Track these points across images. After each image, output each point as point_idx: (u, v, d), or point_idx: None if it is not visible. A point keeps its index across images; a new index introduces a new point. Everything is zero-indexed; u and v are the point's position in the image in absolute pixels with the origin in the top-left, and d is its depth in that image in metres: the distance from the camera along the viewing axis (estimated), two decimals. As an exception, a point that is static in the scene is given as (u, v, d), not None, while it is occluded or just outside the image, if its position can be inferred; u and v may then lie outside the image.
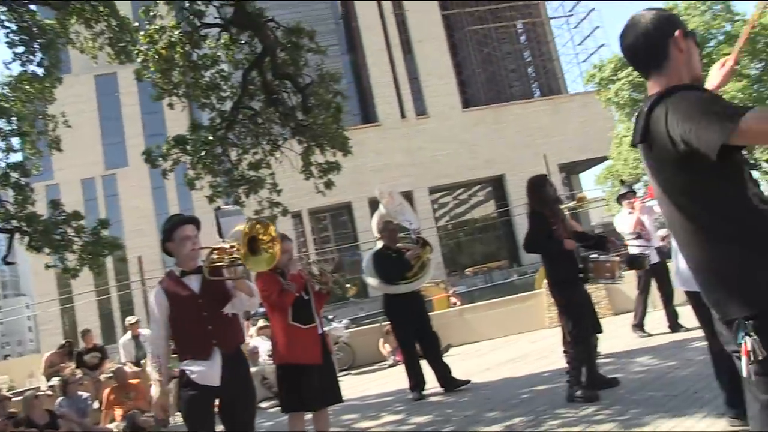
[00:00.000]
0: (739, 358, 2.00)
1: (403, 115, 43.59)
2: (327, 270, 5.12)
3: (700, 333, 7.41)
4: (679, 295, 10.40)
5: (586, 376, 5.63)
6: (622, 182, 19.62)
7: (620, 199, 8.76)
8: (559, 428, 4.89)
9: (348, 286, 5.43)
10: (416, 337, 7.32)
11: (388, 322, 11.31)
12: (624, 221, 8.30)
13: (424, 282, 7.44)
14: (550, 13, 49.44)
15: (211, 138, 8.76)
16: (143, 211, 38.04)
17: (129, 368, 9.55)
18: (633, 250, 7.99)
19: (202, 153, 8.72)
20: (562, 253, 5.63)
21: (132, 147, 37.20)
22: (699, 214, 2.03)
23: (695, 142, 1.87)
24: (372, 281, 7.46)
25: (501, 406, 6.05)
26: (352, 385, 9.09)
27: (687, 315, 8.72)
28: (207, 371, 3.88)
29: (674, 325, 8.18)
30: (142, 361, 9.73)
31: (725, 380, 4.12)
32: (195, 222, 4.11)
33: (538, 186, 5.88)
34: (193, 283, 4.00)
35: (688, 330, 7.77)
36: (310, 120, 9.02)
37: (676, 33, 2.17)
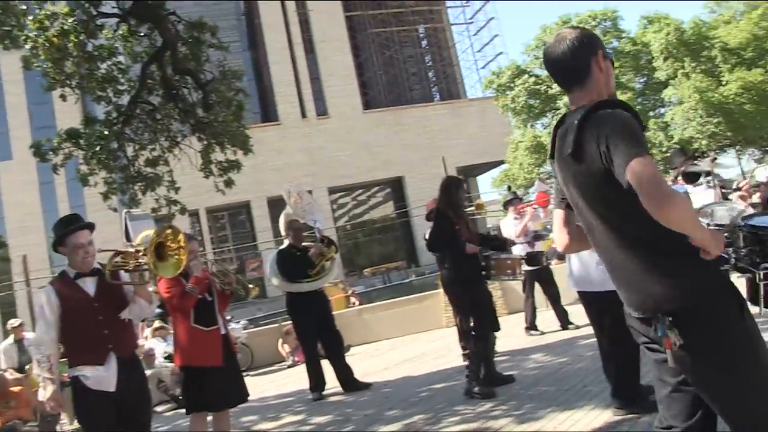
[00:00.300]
0: (650, 349, 2.31)
1: (303, 115, 43.37)
2: (230, 270, 5.04)
3: (590, 330, 7.82)
4: (569, 295, 10.92)
5: (483, 373, 5.81)
6: (509, 188, 20.39)
7: (506, 205, 9.11)
8: (458, 425, 5.01)
9: (251, 286, 5.37)
10: (319, 336, 7.30)
11: (288, 323, 11.29)
12: (510, 226, 8.57)
13: (327, 281, 7.41)
14: (451, 20, 50.50)
15: (106, 132, 8.36)
16: (29, 207, 35.99)
17: (10, 375, 8.97)
18: (516, 253, 8.34)
19: (97, 148, 8.31)
20: (466, 252, 5.80)
21: (17, 139, 35.14)
22: (621, 225, 2.20)
23: (616, 169, 2.08)
24: (275, 280, 7.41)
25: (400, 404, 6.13)
26: (250, 386, 8.82)
27: (576, 313, 9.15)
28: (102, 376, 3.78)
29: (565, 323, 8.56)
30: (26, 367, 9.19)
31: (612, 374, 4.36)
32: (89, 227, 3.98)
33: (451, 187, 6.08)
34: (89, 285, 3.88)
35: (578, 327, 8.14)
36: (211, 117, 8.81)
37: (598, 53, 2.33)
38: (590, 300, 4.43)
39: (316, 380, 7.17)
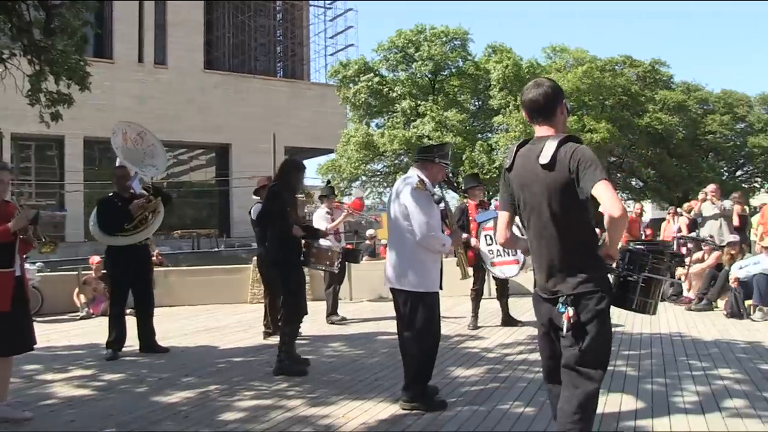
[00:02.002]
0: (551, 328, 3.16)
1: (140, 60, 41.19)
2: (30, 214, 4.67)
3: (388, 327, 8.30)
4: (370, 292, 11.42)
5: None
6: (328, 183, 20.80)
7: (321, 198, 9.37)
8: (252, 399, 5.15)
9: (44, 241, 4.92)
10: (132, 292, 7.06)
11: (87, 272, 10.79)
12: (321, 220, 8.78)
13: (146, 236, 7.07)
14: (311, 0, 50.28)
15: None
16: None
17: None
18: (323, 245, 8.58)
19: None
20: (291, 236, 5.98)
21: None
22: (568, 225, 3.03)
23: (583, 182, 2.90)
24: (93, 230, 7.07)
25: (197, 372, 6.15)
26: (38, 333, 8.26)
27: (377, 310, 9.60)
28: None
29: (332, 315, 9.06)
30: None
31: (410, 371, 4.72)
32: None
33: (294, 168, 6.23)
34: None
35: (344, 321, 8.94)
36: (49, 43, 8.13)
37: (563, 101, 3.19)
38: (404, 298, 4.74)
39: (118, 338, 6.94)
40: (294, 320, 6.04)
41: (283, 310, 6.16)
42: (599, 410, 4.00)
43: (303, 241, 6.27)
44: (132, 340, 7.13)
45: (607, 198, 2.85)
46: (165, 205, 7.23)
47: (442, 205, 4.80)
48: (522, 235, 3.54)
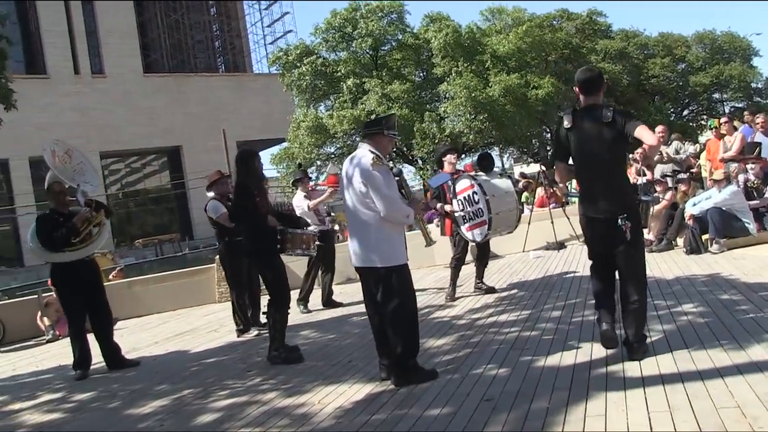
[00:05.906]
0: (602, 238, 4.67)
1: (76, 71, 40.20)
2: None
3: (358, 309, 8.30)
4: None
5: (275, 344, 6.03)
6: (299, 166, 20.51)
7: (296, 183, 9.28)
8: (227, 399, 5.10)
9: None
10: (87, 309, 6.91)
11: (48, 294, 10.55)
12: (301, 203, 8.74)
13: (94, 249, 6.91)
14: (242, -10, 49.60)
15: None
16: None
17: None
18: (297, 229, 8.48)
19: None
20: (265, 225, 6.00)
21: None
22: (614, 164, 4.59)
23: (627, 129, 4.40)
24: (36, 249, 6.86)
25: (170, 379, 6.08)
26: (1, 364, 8.32)
27: (346, 292, 9.58)
28: None
29: (329, 302, 9.02)
30: None
31: (398, 345, 4.68)
32: None
33: (247, 158, 6.19)
34: None
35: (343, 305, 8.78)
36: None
37: (605, 80, 4.66)
38: (378, 276, 4.71)
39: (81, 357, 6.79)
40: (283, 306, 6.05)
41: (271, 298, 6.11)
42: (570, 361, 4.05)
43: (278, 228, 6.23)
44: (100, 357, 7.00)
45: (645, 134, 4.36)
46: (107, 218, 7.11)
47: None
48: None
